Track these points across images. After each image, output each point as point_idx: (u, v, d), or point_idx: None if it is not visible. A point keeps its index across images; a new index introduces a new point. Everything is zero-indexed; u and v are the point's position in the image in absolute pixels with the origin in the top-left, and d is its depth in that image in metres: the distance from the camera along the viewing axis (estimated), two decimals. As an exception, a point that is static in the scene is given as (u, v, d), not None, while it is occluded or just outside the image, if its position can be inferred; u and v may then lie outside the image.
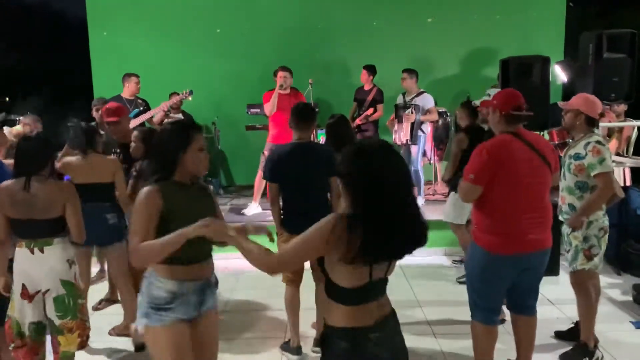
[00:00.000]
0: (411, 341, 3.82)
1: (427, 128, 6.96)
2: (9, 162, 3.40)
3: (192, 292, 2.30)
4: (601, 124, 5.97)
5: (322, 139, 6.31)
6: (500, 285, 3.02)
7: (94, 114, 5.72)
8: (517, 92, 3.10)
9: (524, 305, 3.13)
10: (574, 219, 3.45)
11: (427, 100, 6.68)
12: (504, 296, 3.10)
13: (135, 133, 4.04)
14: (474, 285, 3.08)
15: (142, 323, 2.27)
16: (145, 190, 2.25)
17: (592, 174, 3.36)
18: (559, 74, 6.48)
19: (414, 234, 1.82)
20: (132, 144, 4.00)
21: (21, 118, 5.49)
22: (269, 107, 6.23)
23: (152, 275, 2.29)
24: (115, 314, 4.30)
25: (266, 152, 6.28)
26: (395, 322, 1.94)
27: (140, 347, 3.75)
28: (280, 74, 6.28)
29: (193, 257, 2.28)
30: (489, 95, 3.93)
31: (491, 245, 2.93)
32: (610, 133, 6.28)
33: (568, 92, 6.40)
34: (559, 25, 8.20)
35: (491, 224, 2.95)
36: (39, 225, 2.91)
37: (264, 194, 6.74)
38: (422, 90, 6.78)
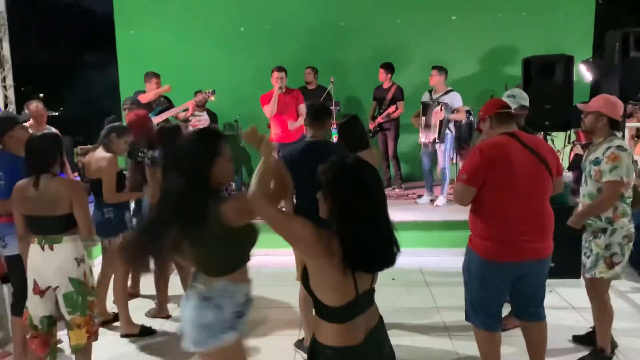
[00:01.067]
0: (427, 344, 3.85)
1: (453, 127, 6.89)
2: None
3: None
4: (629, 124, 5.86)
5: (334, 138, 6.32)
6: (497, 292, 2.97)
7: (125, 113, 5.74)
8: (499, 99, 3.18)
9: (528, 312, 3.07)
10: (574, 219, 3.39)
11: (455, 99, 6.57)
12: (503, 302, 3.05)
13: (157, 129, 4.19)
14: (471, 290, 3.04)
15: (233, 336, 2.19)
16: None
17: (603, 180, 3.27)
18: (584, 74, 6.36)
19: (384, 251, 1.82)
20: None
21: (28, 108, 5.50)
22: (269, 109, 6.30)
23: (226, 285, 2.20)
24: (136, 307, 4.42)
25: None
26: (382, 330, 1.94)
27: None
28: (275, 74, 6.28)
29: (249, 256, 2.30)
30: (513, 96, 3.87)
31: (485, 251, 2.87)
32: (638, 134, 6.14)
33: (595, 92, 6.29)
34: (587, 23, 8.01)
35: (485, 229, 2.88)
36: (48, 221, 2.99)
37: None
38: (450, 88, 6.69)
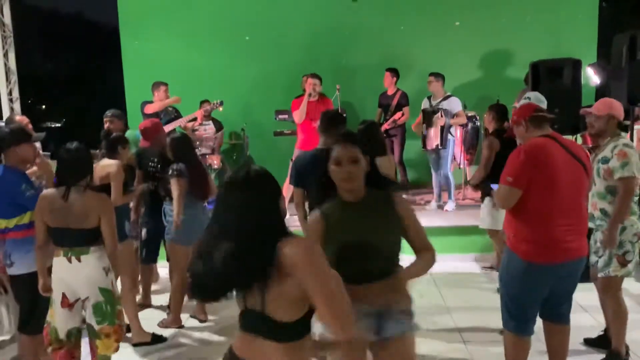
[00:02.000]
0: (440, 348, 3.83)
1: (456, 132, 6.90)
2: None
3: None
4: (636, 127, 5.86)
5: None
6: (537, 294, 2.96)
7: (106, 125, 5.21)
8: (531, 103, 3.16)
9: (558, 313, 3.06)
10: (607, 239, 3.36)
11: (454, 104, 6.61)
12: (539, 306, 3.04)
13: (169, 140, 4.27)
14: (510, 294, 3.01)
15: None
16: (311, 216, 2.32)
17: (615, 177, 3.30)
18: (592, 77, 6.36)
19: None
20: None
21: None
22: (299, 115, 6.25)
23: None
24: (148, 318, 4.42)
25: (295, 159, 6.29)
26: None
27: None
28: (310, 81, 6.29)
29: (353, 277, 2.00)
30: (529, 98, 3.87)
31: (528, 254, 2.87)
32: (646, 136, 6.13)
33: (601, 95, 6.27)
34: (591, 26, 8.00)
35: (528, 231, 2.87)
36: (75, 234, 2.97)
37: (291, 200, 6.78)
38: (449, 93, 6.73)
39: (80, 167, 3.05)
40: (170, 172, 4.16)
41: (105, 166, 4.00)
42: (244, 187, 1.66)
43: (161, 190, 4.29)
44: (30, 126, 4.83)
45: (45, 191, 3.08)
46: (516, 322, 3.00)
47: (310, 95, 6.17)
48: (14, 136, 3.40)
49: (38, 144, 4.75)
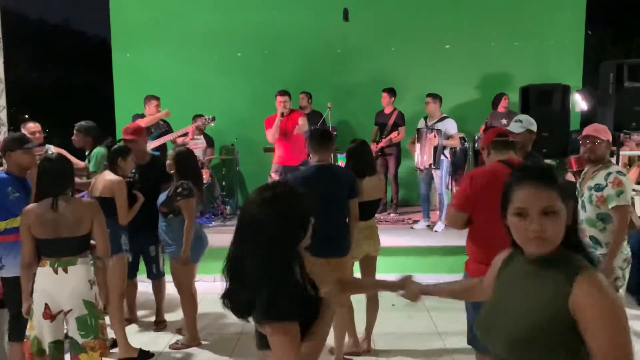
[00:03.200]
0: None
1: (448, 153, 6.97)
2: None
3: None
4: (622, 152, 5.97)
5: (341, 163, 6.35)
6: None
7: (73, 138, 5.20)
8: (500, 127, 3.24)
9: None
10: (605, 269, 3.32)
11: (449, 125, 6.66)
12: None
13: (170, 152, 4.19)
14: (469, 316, 3.09)
15: None
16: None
17: (610, 206, 3.31)
18: (579, 102, 6.50)
19: None
20: (168, 162, 4.16)
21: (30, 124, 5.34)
22: (272, 133, 6.37)
23: None
24: (131, 333, 4.34)
25: (272, 174, 6.35)
26: None
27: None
28: (279, 98, 6.34)
29: None
30: (520, 121, 3.92)
31: (473, 273, 2.91)
32: (631, 162, 6.25)
33: (587, 120, 6.41)
34: (577, 53, 8.20)
35: (479, 253, 2.95)
36: (66, 243, 2.97)
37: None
38: (445, 115, 6.79)
39: (65, 177, 3.08)
40: (179, 190, 4.00)
41: (109, 180, 3.97)
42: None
43: (162, 207, 4.08)
44: (38, 135, 4.85)
45: (29, 206, 3.04)
46: (474, 340, 3.04)
47: (282, 114, 6.24)
48: (10, 143, 3.50)
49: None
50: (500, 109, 7.44)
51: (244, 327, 4.57)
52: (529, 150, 3.79)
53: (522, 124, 3.87)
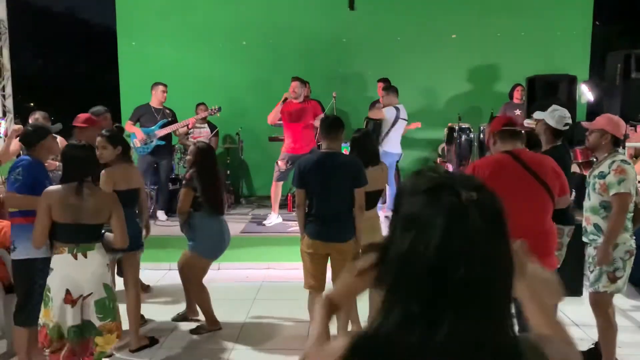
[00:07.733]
0: None
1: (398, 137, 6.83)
2: None
3: None
4: (628, 144, 5.95)
5: (345, 152, 6.34)
6: None
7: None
8: (509, 115, 3.18)
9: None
10: (601, 256, 3.34)
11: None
12: None
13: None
14: None
15: None
16: None
17: (610, 193, 3.30)
18: (586, 93, 6.46)
19: None
20: (188, 157, 4.21)
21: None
22: (272, 116, 6.39)
23: None
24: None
25: (279, 162, 6.35)
26: None
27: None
28: (292, 84, 6.36)
29: None
30: (556, 110, 3.88)
31: None
32: (637, 154, 6.22)
33: (593, 111, 6.37)
34: (584, 44, 8.14)
35: None
36: (86, 229, 3.03)
37: (282, 205, 6.80)
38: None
39: (89, 165, 3.14)
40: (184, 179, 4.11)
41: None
42: None
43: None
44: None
45: (51, 187, 3.09)
46: None
47: (285, 99, 6.25)
48: (41, 131, 3.55)
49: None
50: (515, 99, 7.40)
51: (247, 315, 4.62)
52: (556, 144, 3.75)
53: (544, 114, 3.81)
